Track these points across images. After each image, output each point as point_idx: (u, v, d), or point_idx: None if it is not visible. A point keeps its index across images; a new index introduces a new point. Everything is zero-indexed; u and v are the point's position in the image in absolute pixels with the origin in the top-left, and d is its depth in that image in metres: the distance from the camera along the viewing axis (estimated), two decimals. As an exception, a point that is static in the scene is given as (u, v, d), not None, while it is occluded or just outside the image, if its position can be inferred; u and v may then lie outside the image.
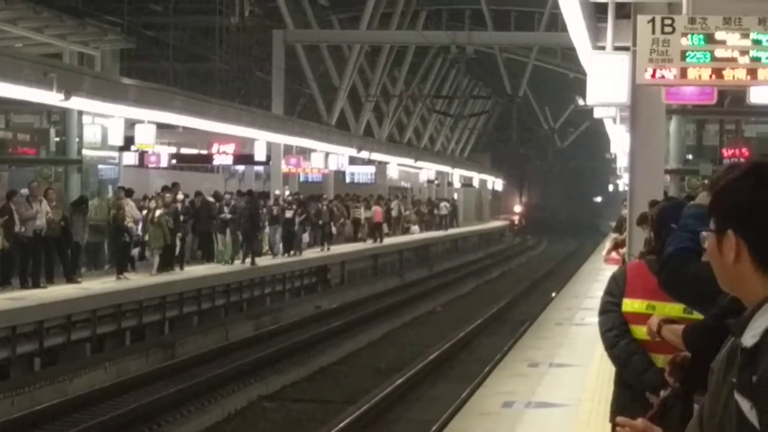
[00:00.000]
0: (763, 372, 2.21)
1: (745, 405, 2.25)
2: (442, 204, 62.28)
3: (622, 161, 39.53)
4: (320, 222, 36.75)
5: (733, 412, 2.28)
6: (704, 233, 2.48)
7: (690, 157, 35.17)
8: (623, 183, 54.40)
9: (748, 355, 2.27)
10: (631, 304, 5.72)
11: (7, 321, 18.55)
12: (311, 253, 34.91)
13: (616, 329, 5.74)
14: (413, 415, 17.73)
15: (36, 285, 22.00)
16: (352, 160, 49.65)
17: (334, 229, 39.27)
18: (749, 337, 2.29)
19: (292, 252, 33.65)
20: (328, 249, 36.80)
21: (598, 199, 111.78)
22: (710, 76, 13.20)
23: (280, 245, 33.58)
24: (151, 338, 23.50)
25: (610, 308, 5.82)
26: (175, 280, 25.44)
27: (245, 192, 32.95)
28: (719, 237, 2.40)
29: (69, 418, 16.45)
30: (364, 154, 48.76)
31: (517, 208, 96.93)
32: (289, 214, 33.71)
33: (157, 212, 25.70)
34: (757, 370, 2.22)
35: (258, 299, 29.99)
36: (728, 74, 13.13)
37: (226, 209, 30.08)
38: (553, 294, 29.91)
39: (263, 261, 31.22)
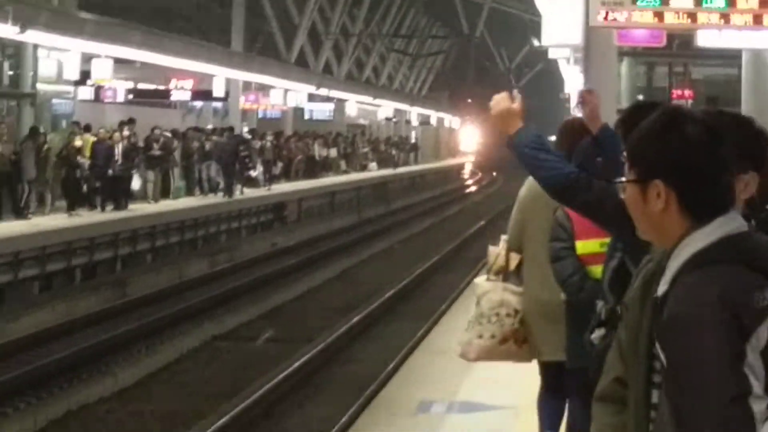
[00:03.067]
0: (667, 316, 2.30)
1: (658, 347, 2.35)
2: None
3: (576, 101, 39.76)
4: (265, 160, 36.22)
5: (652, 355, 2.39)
6: (619, 183, 2.50)
7: (641, 97, 35.48)
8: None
9: (659, 304, 2.35)
10: (584, 246, 5.66)
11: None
12: (258, 192, 34.33)
13: (577, 273, 5.68)
14: (370, 353, 17.71)
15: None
16: (311, 98, 49.46)
17: (277, 169, 38.84)
18: (661, 286, 2.38)
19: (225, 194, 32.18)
20: (269, 189, 35.85)
21: (552, 137, 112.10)
22: (659, 20, 13.48)
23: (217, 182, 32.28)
24: (103, 276, 23.24)
25: (564, 254, 5.74)
26: (129, 217, 25.20)
27: (226, 129, 33.76)
28: (642, 186, 2.42)
29: (12, 358, 16.01)
30: (323, 91, 48.57)
31: (468, 147, 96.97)
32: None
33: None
34: (664, 315, 2.32)
35: (213, 236, 29.85)
36: (675, 17, 13.44)
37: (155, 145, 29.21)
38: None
39: (215, 199, 31.05)
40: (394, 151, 58.90)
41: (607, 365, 2.69)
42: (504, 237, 6.62)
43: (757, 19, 13.63)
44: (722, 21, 13.75)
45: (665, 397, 2.30)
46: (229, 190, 31.72)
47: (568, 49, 25.86)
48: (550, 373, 6.24)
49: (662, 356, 2.33)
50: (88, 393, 14.81)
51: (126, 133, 26.45)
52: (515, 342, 6.06)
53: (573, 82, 33.27)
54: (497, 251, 6.33)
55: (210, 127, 34.79)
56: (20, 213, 22.94)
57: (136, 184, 25.89)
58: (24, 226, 21.75)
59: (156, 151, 28.31)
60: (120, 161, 25.68)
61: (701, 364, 2.22)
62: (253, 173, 34.63)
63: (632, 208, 2.47)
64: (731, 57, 22.33)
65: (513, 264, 6.28)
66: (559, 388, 6.12)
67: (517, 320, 6.09)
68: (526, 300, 6.19)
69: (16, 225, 21.84)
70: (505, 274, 6.23)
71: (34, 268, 20.71)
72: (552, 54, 30.33)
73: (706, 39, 15.60)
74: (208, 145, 31.89)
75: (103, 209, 25.43)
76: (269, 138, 37.34)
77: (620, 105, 18.80)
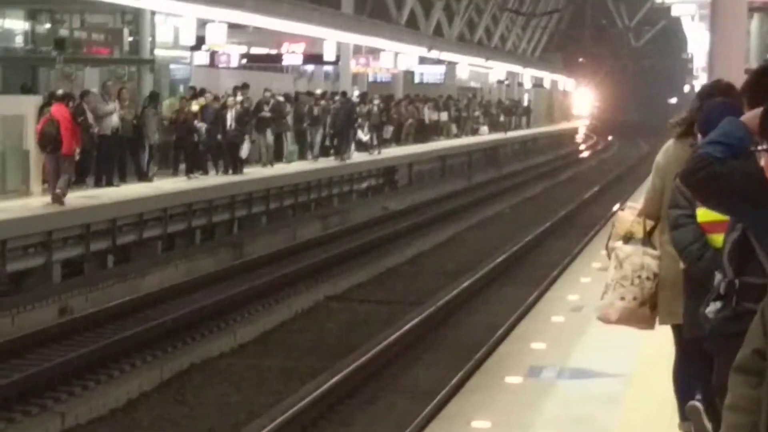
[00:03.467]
0: None
1: None
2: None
3: (700, 61, 38.90)
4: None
5: None
6: (759, 151, 2.42)
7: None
8: (700, 84, 53.51)
9: None
10: (705, 214, 5.52)
11: (82, 219, 18.92)
12: (367, 157, 34.57)
13: (697, 242, 5.59)
14: (480, 317, 17.82)
15: (109, 184, 22.36)
16: (422, 60, 49.42)
17: (388, 133, 38.89)
18: None
19: (337, 157, 32.23)
20: (379, 152, 35.66)
21: (673, 100, 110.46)
22: None
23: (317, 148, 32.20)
24: (221, 237, 23.80)
25: (684, 221, 5.67)
26: (244, 180, 25.60)
27: (335, 93, 34.00)
28: None
29: (140, 314, 16.78)
30: (434, 54, 48.48)
31: (583, 110, 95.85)
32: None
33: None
34: None
35: (326, 200, 30.15)
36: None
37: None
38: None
39: (327, 163, 31.32)
40: (502, 118, 58.28)
41: (749, 336, 2.64)
42: (629, 204, 6.60)
43: None
44: None
45: None
46: (341, 154, 32.06)
47: (694, 5, 25.18)
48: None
49: None
50: (210, 348, 15.39)
51: (240, 98, 26.69)
52: (650, 306, 6.08)
53: (698, 40, 32.53)
54: (626, 217, 6.26)
55: (319, 91, 34.85)
56: (143, 176, 23.50)
57: (245, 150, 26.08)
58: (147, 189, 22.35)
59: (266, 113, 28.49)
60: (233, 126, 25.91)
61: None
62: (363, 137, 34.74)
63: None
64: None
65: (642, 230, 6.21)
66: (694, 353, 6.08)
67: (655, 284, 6.10)
68: (665, 266, 6.15)
69: (140, 187, 22.47)
70: (644, 238, 6.18)
71: (157, 229, 21.38)
72: (675, 11, 29.56)
73: None
74: (316, 110, 31.97)
75: (216, 172, 25.75)
76: (376, 102, 37.44)
77: (749, 65, 18.22)
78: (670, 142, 6.47)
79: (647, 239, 6.14)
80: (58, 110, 19.34)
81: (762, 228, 3.89)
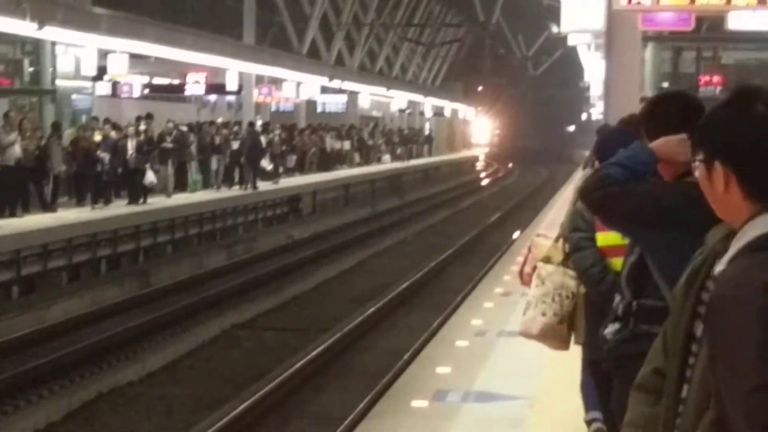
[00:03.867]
0: (713, 295, 2.29)
1: (699, 327, 2.38)
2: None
3: (597, 89, 39.45)
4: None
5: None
6: (695, 163, 2.47)
7: (666, 84, 34.88)
8: (597, 112, 54.27)
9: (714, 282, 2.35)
10: (604, 238, 5.64)
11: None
12: (265, 186, 34.54)
13: (597, 265, 5.72)
14: (386, 343, 17.97)
15: (13, 214, 22.18)
16: (324, 90, 49.62)
17: (291, 162, 39.02)
18: (719, 266, 2.36)
19: (242, 186, 32.30)
20: (275, 182, 35.25)
21: (571, 128, 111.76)
22: (688, 1, 13.05)
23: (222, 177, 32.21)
24: (126, 267, 23.72)
25: (585, 244, 5.80)
26: (149, 210, 25.55)
27: (237, 122, 34.72)
28: (708, 167, 2.42)
29: (47, 344, 16.62)
30: (336, 84, 48.73)
31: (483, 139, 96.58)
32: (236, 145, 32.60)
33: None
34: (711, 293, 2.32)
35: (231, 229, 30.18)
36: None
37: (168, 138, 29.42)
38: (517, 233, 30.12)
39: (232, 192, 31.36)
40: (400, 150, 58.11)
41: (650, 355, 2.70)
42: (543, 233, 6.75)
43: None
44: (756, 1, 13.32)
45: (711, 377, 2.27)
46: (247, 183, 32.32)
47: (589, 35, 25.38)
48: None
49: (703, 335, 2.33)
50: (118, 377, 15.39)
51: (142, 127, 26.65)
52: (568, 325, 6.19)
53: (594, 69, 32.95)
54: (542, 242, 6.36)
55: (220, 120, 34.85)
56: (47, 206, 23.39)
57: (149, 178, 26.04)
58: (51, 219, 22.25)
59: (168, 144, 28.41)
60: (134, 155, 25.83)
61: (734, 347, 2.18)
62: (267, 166, 34.86)
63: (703, 189, 2.46)
64: (764, 41, 21.66)
65: (561, 253, 6.30)
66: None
67: (573, 303, 6.21)
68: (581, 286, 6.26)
69: (44, 218, 22.37)
70: (563, 260, 6.27)
71: (61, 260, 21.25)
72: (572, 40, 29.96)
73: (737, 21, 15.17)
74: (217, 139, 31.99)
75: (106, 203, 25.53)
76: (277, 132, 37.60)
77: (644, 93, 18.40)
78: (588, 169, 6.60)
79: (566, 261, 6.22)
80: None
81: (658, 251, 4.00)
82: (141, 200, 25.97)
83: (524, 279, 6.38)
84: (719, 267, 2.35)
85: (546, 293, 6.18)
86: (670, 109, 4.24)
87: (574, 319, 6.21)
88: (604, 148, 5.56)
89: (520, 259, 6.74)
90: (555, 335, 6.18)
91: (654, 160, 4.12)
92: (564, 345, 6.22)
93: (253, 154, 32.56)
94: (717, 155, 2.38)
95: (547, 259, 6.21)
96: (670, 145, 4.10)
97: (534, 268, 6.22)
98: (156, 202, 26.73)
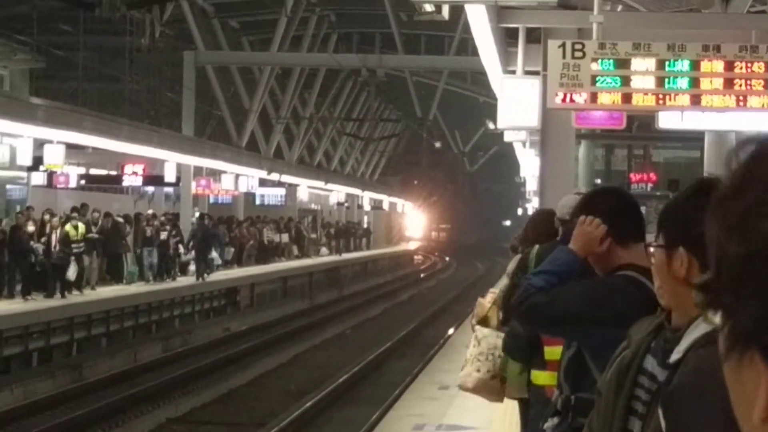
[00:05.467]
0: (674, 384, 2.25)
1: (660, 416, 2.29)
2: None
3: (532, 185, 39.85)
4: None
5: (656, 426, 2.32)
6: (651, 248, 2.50)
7: (599, 181, 35.32)
8: (532, 207, 54.78)
9: (670, 371, 2.32)
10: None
11: None
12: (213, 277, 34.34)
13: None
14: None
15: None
16: (263, 182, 49.57)
17: (230, 253, 38.86)
18: (674, 354, 2.33)
19: (166, 278, 31.81)
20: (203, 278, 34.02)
21: (508, 222, 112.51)
22: (620, 101, 13.38)
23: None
24: (59, 360, 23.25)
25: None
26: (84, 302, 25.17)
27: (172, 215, 35.23)
28: (669, 252, 2.41)
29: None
30: (275, 176, 48.72)
31: (420, 233, 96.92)
32: (164, 235, 31.73)
33: None
34: (672, 383, 2.26)
35: (167, 321, 29.80)
36: (637, 99, 13.34)
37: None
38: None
39: (166, 284, 31.05)
40: (334, 243, 57.91)
41: None
42: (492, 290, 7.50)
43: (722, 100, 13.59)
44: (686, 102, 13.70)
45: None
46: (202, 275, 32.98)
47: (524, 132, 25.79)
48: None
49: (663, 425, 2.26)
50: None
51: (75, 219, 26.13)
52: (500, 380, 6.82)
53: (529, 165, 33.29)
54: (485, 302, 7.07)
55: (150, 212, 34.24)
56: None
57: (71, 272, 25.51)
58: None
59: (93, 235, 27.86)
60: (57, 247, 25.33)
61: None
62: (217, 259, 34.85)
63: (657, 273, 2.47)
64: (692, 139, 22.19)
65: (496, 318, 7.07)
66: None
67: (505, 362, 6.84)
68: None
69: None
70: (498, 324, 7.01)
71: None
72: (507, 137, 30.32)
73: (667, 121, 15.55)
74: (149, 231, 31.18)
75: (49, 295, 24.99)
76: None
77: (578, 189, 18.72)
78: (518, 255, 7.25)
79: (500, 325, 6.94)
80: None
81: (592, 346, 3.97)
82: (59, 294, 25.26)
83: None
84: (675, 355, 2.32)
85: (481, 353, 6.93)
86: (604, 203, 4.20)
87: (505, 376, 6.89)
88: (525, 231, 6.55)
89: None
90: (488, 389, 6.92)
91: (575, 259, 4.18)
92: (498, 398, 7.00)
93: (203, 246, 33.09)
94: (681, 240, 2.38)
95: (484, 321, 7.00)
96: (582, 233, 4.14)
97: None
98: (94, 293, 26.34)
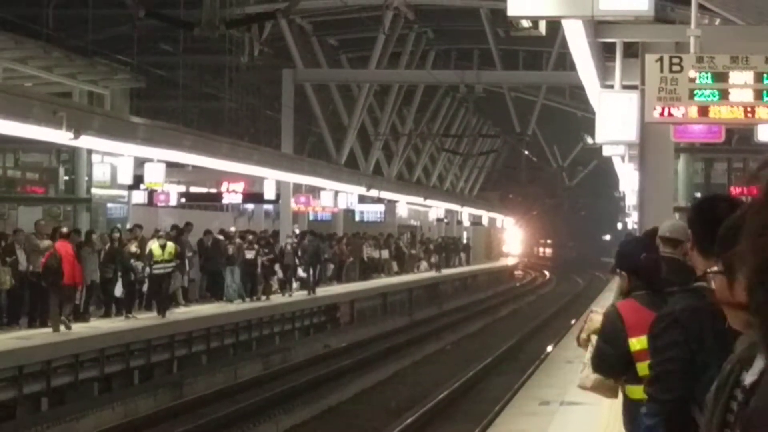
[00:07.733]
0: (752, 408, 2.19)
1: None
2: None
3: (631, 199, 39.53)
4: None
5: None
6: (711, 274, 2.44)
7: (699, 195, 35.02)
8: (632, 221, 54.31)
9: (747, 394, 2.26)
10: (637, 342, 5.96)
11: (15, 361, 18.53)
12: (302, 295, 34.18)
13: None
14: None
15: (44, 324, 21.96)
16: (362, 199, 49.70)
17: (329, 270, 39.07)
18: (749, 376, 2.27)
19: (254, 297, 30.93)
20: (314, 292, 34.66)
21: (607, 237, 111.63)
22: (717, 114, 13.19)
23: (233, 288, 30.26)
24: (160, 377, 23.48)
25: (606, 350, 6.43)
26: (184, 320, 25.39)
27: (307, 231, 37.88)
28: (730, 278, 2.32)
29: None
30: (374, 193, 48.81)
31: (522, 247, 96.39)
32: (250, 254, 30.74)
33: None
34: (750, 406, 2.21)
35: (267, 338, 29.94)
36: (734, 112, 13.14)
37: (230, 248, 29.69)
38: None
39: (269, 301, 31.20)
40: (433, 258, 57.61)
41: None
42: (595, 309, 7.55)
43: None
44: None
45: None
46: (312, 290, 34.35)
47: (623, 146, 25.68)
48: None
49: None
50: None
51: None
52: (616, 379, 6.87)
53: (628, 179, 33.05)
54: (596, 317, 7.07)
55: (233, 229, 33.58)
56: (79, 316, 23.18)
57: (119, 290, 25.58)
58: (83, 329, 22.02)
59: (188, 254, 27.95)
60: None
61: None
62: (302, 274, 35.03)
63: (720, 297, 2.42)
64: None
65: None
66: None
67: None
68: None
69: (76, 327, 22.02)
70: None
71: (94, 370, 20.99)
72: (606, 151, 30.14)
73: (766, 133, 15.32)
74: (231, 249, 30.22)
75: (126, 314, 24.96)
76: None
77: (677, 203, 18.57)
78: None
79: None
80: (62, 246, 20.71)
81: None
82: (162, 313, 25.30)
83: (580, 343, 7.16)
84: (749, 377, 2.26)
85: None
86: (717, 209, 4.09)
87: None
88: (621, 256, 6.44)
89: (582, 325, 7.55)
90: (605, 388, 7.03)
91: None
92: (613, 395, 6.97)
93: (314, 260, 34.63)
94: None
95: (598, 331, 7.04)
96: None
97: (588, 336, 7.03)
98: (191, 311, 26.57)
